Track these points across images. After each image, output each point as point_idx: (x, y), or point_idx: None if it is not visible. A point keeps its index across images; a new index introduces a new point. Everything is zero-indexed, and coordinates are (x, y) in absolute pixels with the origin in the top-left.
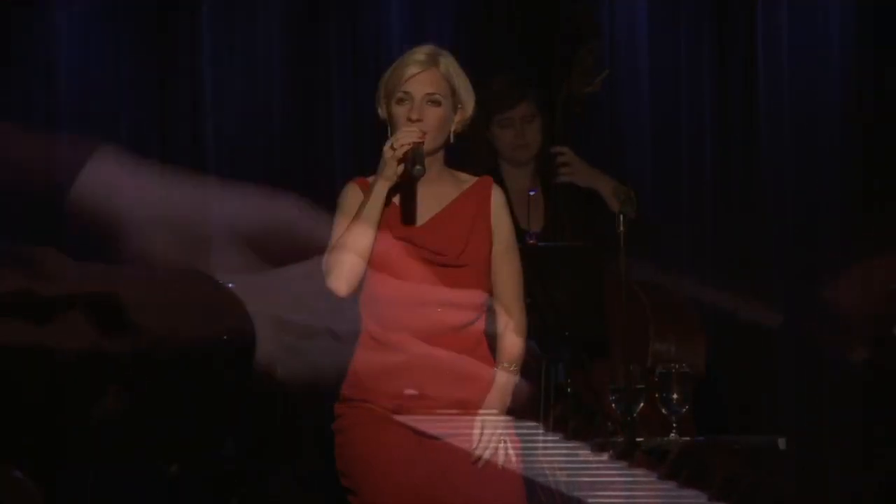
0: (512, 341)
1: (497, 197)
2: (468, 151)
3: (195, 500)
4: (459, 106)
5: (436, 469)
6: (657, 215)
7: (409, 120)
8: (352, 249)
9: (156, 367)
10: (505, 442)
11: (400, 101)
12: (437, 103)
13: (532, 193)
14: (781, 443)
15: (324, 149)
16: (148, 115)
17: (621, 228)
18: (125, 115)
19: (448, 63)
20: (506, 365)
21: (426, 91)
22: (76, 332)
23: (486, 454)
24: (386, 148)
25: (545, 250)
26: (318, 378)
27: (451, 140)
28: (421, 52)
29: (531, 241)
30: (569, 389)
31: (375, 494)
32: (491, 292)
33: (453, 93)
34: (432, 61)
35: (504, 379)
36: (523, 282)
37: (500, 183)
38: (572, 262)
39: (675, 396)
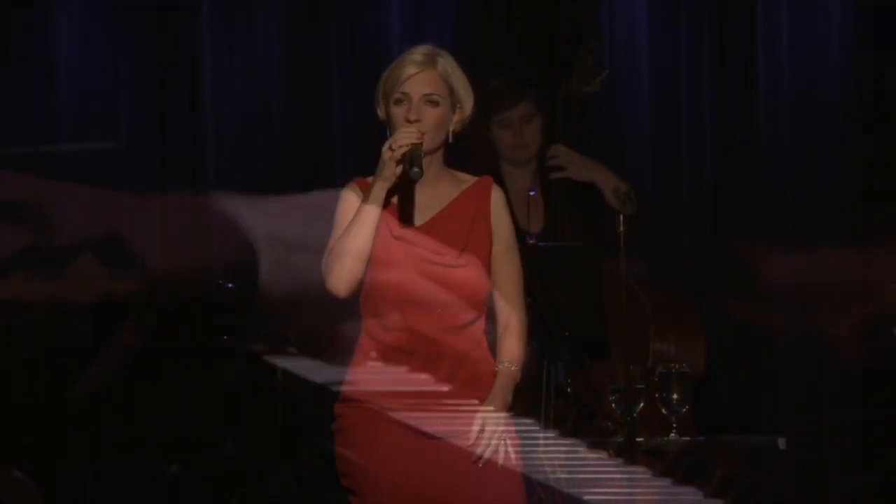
0: (512, 340)
1: (497, 197)
2: (468, 151)
3: (195, 500)
4: (458, 106)
5: (436, 469)
6: (657, 215)
7: (408, 120)
8: (351, 250)
9: (165, 300)
10: (505, 441)
11: (398, 102)
12: (435, 103)
13: (532, 193)
14: (781, 443)
15: (324, 149)
16: (148, 115)
17: (621, 228)
18: (125, 115)
19: (446, 63)
20: (507, 363)
21: (424, 91)
22: (87, 281)
23: (487, 453)
24: (384, 149)
25: (545, 250)
26: (303, 290)
27: (450, 140)
28: (418, 53)
29: (531, 241)
30: (569, 389)
31: (375, 494)
32: (491, 292)
33: (451, 93)
34: (430, 62)
35: (505, 377)
36: (523, 281)
37: (501, 183)
38: (572, 262)
39: (675, 396)
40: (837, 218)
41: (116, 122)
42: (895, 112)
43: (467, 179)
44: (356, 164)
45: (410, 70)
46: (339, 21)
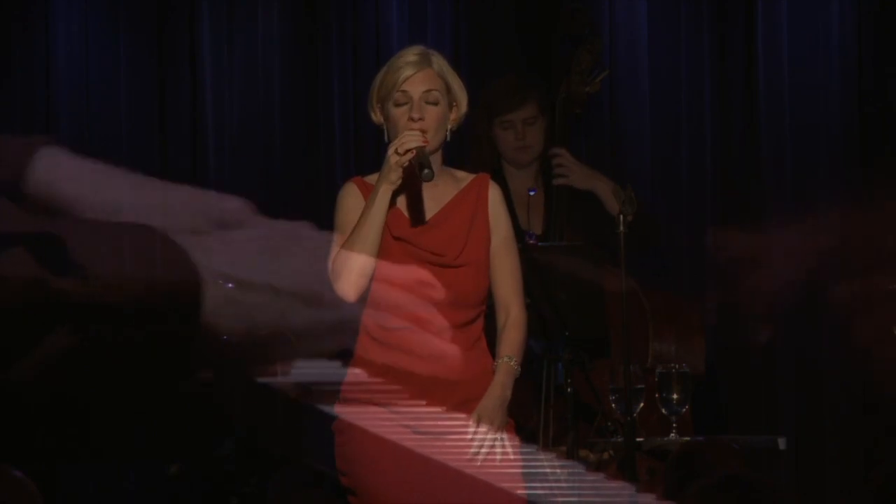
0: (512, 335)
1: (494, 193)
2: (471, 152)
3: (195, 500)
4: (454, 104)
5: (436, 468)
6: (657, 215)
7: (411, 119)
8: (359, 255)
9: (106, 311)
10: (503, 438)
11: (398, 103)
12: (435, 102)
13: (532, 193)
14: (781, 443)
15: (324, 148)
16: (148, 115)
17: (621, 229)
18: (125, 115)
19: (440, 62)
20: (506, 359)
21: (424, 89)
22: (20, 263)
23: (485, 450)
24: (390, 153)
25: (545, 250)
26: (253, 328)
27: (448, 139)
28: (412, 54)
29: (531, 242)
30: (569, 389)
31: (375, 494)
32: (490, 290)
33: (448, 91)
34: (426, 61)
35: (504, 372)
36: (523, 280)
37: (503, 183)
38: (572, 262)
39: (675, 396)
40: (838, 217)
41: (116, 122)
42: (895, 112)
43: (465, 177)
44: (356, 164)
45: (408, 71)
46: (340, 21)
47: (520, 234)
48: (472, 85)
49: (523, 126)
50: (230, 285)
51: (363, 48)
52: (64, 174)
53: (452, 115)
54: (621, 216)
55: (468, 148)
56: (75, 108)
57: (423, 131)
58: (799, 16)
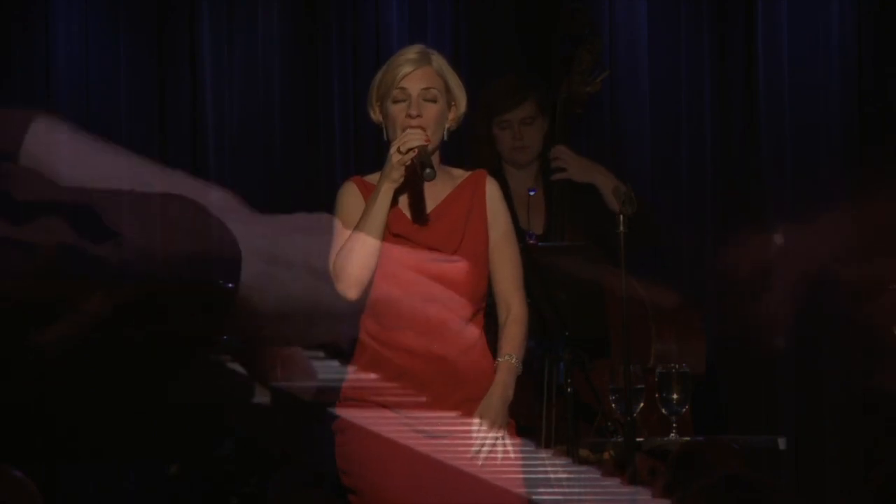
0: (513, 332)
1: (491, 188)
2: (471, 152)
3: (195, 500)
4: (453, 103)
5: (437, 467)
6: (657, 215)
7: (409, 116)
8: (361, 253)
9: (141, 276)
10: (504, 437)
11: (397, 101)
12: (433, 100)
13: (532, 193)
14: (781, 443)
15: (324, 148)
16: (148, 115)
17: (621, 228)
18: (125, 115)
19: (439, 60)
20: (506, 357)
21: (422, 87)
22: (55, 229)
23: (486, 450)
24: (392, 151)
25: (545, 250)
26: (288, 306)
27: (446, 138)
28: (412, 52)
29: (531, 242)
30: (569, 389)
31: (376, 493)
32: (490, 286)
33: (447, 89)
34: (425, 59)
35: (505, 371)
36: (522, 275)
37: (503, 183)
38: (572, 262)
39: (675, 396)
40: (838, 217)
41: (117, 121)
42: (895, 112)
43: (461, 175)
44: (356, 164)
45: (407, 68)
46: (340, 21)
47: (520, 234)
48: (472, 85)
49: (520, 126)
50: (230, 285)
51: (363, 48)
52: (59, 145)
53: (451, 115)
54: (621, 216)
55: (468, 148)
56: (75, 108)
57: (423, 129)
58: (799, 16)
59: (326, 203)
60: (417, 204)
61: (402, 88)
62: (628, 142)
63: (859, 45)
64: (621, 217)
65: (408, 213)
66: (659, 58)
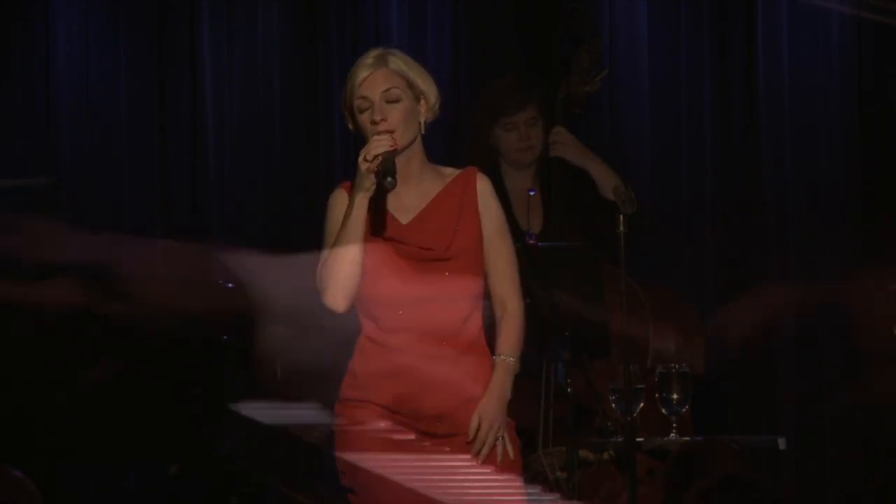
0: (510, 329)
1: (482, 185)
2: (468, 152)
3: (195, 500)
4: (422, 97)
5: (435, 467)
6: (657, 215)
7: (373, 122)
8: (342, 266)
9: (148, 337)
10: (504, 436)
11: (361, 109)
12: (396, 99)
13: (532, 193)
14: (781, 443)
15: (324, 148)
16: (148, 115)
17: (621, 228)
18: (125, 115)
19: (397, 59)
20: (504, 356)
21: (382, 90)
22: (64, 292)
23: (485, 449)
24: (360, 160)
25: (545, 250)
26: (311, 376)
27: (423, 131)
28: (368, 58)
29: (531, 242)
30: (569, 389)
31: (375, 493)
32: (486, 283)
33: (411, 86)
34: (380, 62)
35: (503, 370)
36: (523, 281)
37: (500, 184)
38: (572, 262)
39: (675, 396)
40: (837, 217)
41: (117, 122)
42: (895, 113)
43: (451, 173)
44: (356, 164)
45: (363, 74)
46: (340, 21)
47: (520, 234)
48: (472, 85)
49: (526, 127)
50: (230, 285)
51: (363, 48)
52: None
53: (422, 109)
54: (621, 216)
55: (463, 148)
56: (75, 108)
57: (391, 132)
58: (799, 16)
59: (326, 203)
60: (406, 205)
61: (364, 97)
62: (628, 142)
63: (859, 45)
64: (621, 217)
65: (397, 216)
66: (659, 58)
